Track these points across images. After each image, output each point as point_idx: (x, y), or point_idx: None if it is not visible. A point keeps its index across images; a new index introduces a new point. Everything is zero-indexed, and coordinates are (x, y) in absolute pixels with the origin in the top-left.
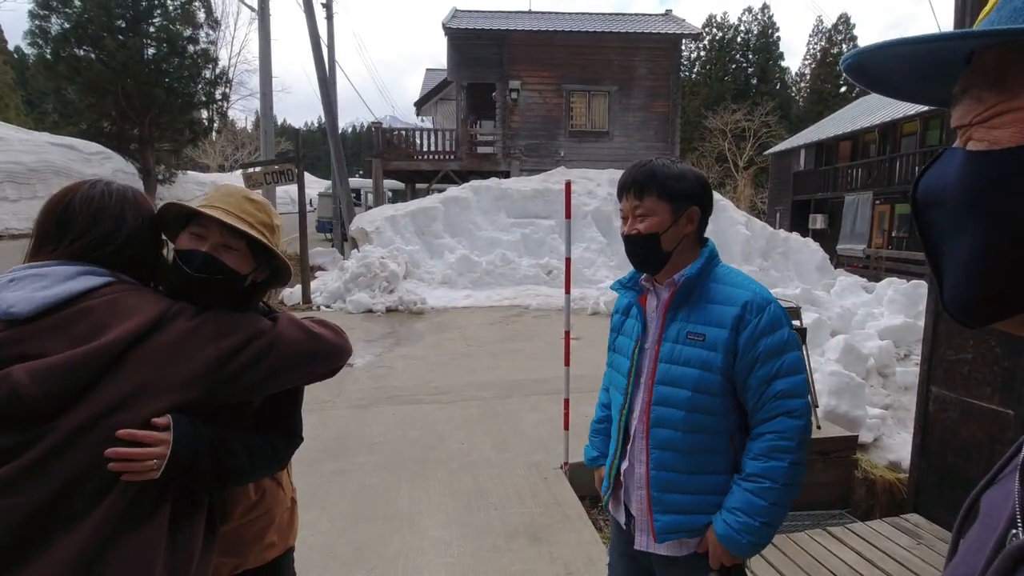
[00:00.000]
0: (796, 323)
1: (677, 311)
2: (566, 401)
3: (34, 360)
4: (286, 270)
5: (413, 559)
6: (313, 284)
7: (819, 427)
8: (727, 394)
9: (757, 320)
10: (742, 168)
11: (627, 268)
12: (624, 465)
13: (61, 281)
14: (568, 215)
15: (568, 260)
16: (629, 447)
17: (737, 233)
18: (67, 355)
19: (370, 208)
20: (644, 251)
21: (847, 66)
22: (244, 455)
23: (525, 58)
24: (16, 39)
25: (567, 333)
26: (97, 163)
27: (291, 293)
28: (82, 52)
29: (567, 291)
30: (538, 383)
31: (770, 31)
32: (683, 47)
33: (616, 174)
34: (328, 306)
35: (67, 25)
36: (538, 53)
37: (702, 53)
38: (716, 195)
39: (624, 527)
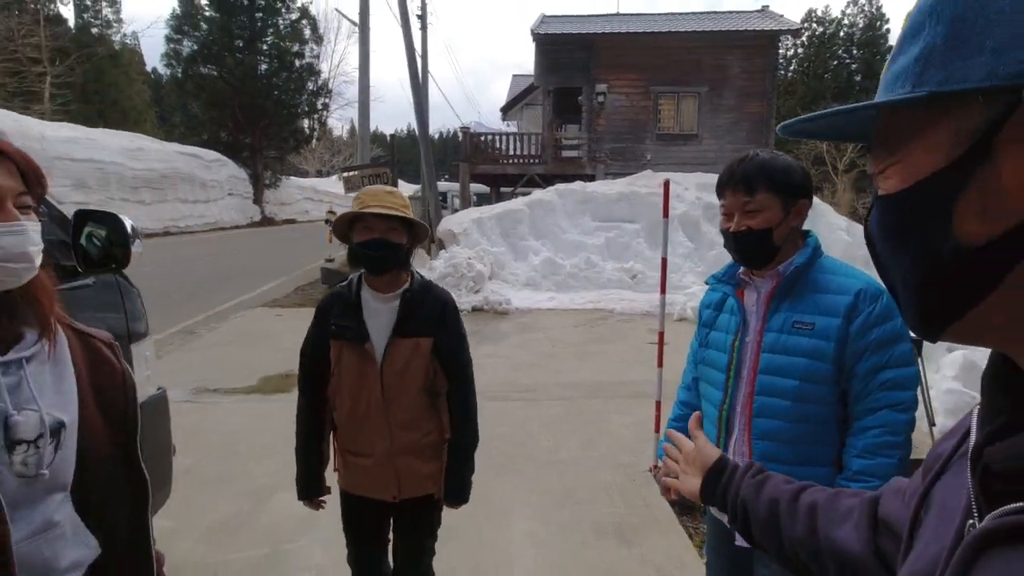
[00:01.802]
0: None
1: (781, 301)
2: (658, 403)
3: None
4: (423, 229)
5: (504, 548)
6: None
7: None
8: (836, 383)
9: (871, 309)
10: (842, 171)
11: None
12: None
13: None
14: (666, 213)
15: (664, 260)
16: (731, 442)
17: (837, 239)
18: None
19: (456, 211)
20: (755, 247)
21: (787, 134)
22: None
23: (612, 61)
24: (153, 62)
25: (661, 334)
26: (216, 169)
27: None
28: (206, 70)
29: (662, 291)
30: (623, 385)
31: (878, 23)
32: (780, 44)
33: (704, 178)
34: None
35: (195, 47)
36: (626, 56)
37: (799, 50)
38: (816, 201)
39: (728, 525)
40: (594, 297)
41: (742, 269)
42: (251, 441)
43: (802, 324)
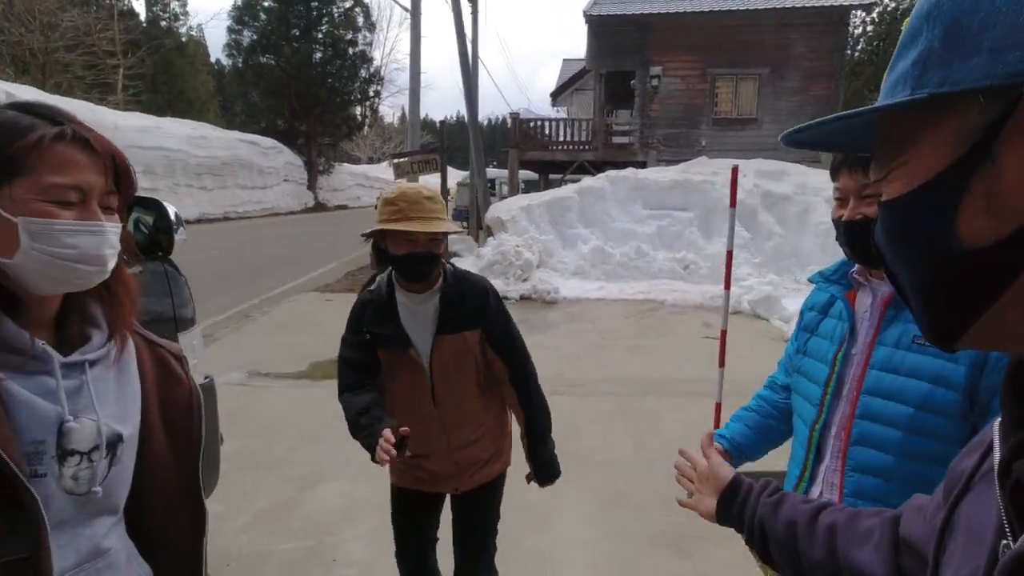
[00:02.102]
0: None
1: (902, 308)
2: (717, 406)
3: None
4: (457, 231)
5: (549, 554)
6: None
7: None
8: (963, 418)
9: None
10: None
11: (772, 266)
12: (815, 490)
13: None
14: (733, 203)
15: (729, 253)
16: (821, 468)
17: None
18: None
19: (504, 198)
20: (870, 240)
21: (788, 144)
22: None
23: (668, 42)
24: (216, 53)
25: (723, 332)
26: (273, 156)
27: None
28: (264, 60)
29: (726, 286)
30: (677, 382)
31: None
32: (850, 20)
33: (764, 164)
34: None
35: (254, 37)
36: (682, 37)
37: (868, 28)
38: None
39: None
40: (644, 287)
41: (856, 268)
42: (298, 427)
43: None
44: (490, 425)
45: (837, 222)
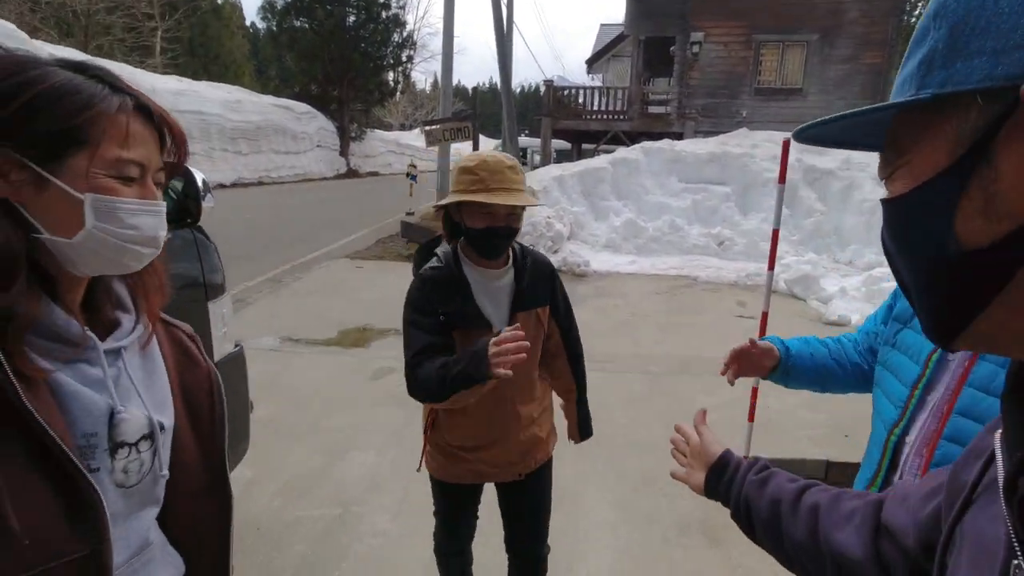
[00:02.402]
0: None
1: None
2: (754, 390)
3: None
4: (535, 204)
5: (576, 537)
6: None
7: None
8: None
9: None
10: None
11: (810, 244)
12: None
13: None
14: (782, 179)
15: (776, 232)
16: (894, 479)
17: None
18: None
19: (536, 168)
20: None
21: (800, 140)
22: None
23: (711, 7)
24: (251, 16)
25: (764, 314)
26: (306, 121)
27: None
28: (299, 23)
29: (770, 266)
30: (711, 362)
31: None
32: None
33: None
34: None
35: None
36: (727, 0)
37: None
38: None
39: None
40: (677, 263)
41: None
42: (327, 395)
43: None
44: (545, 403)
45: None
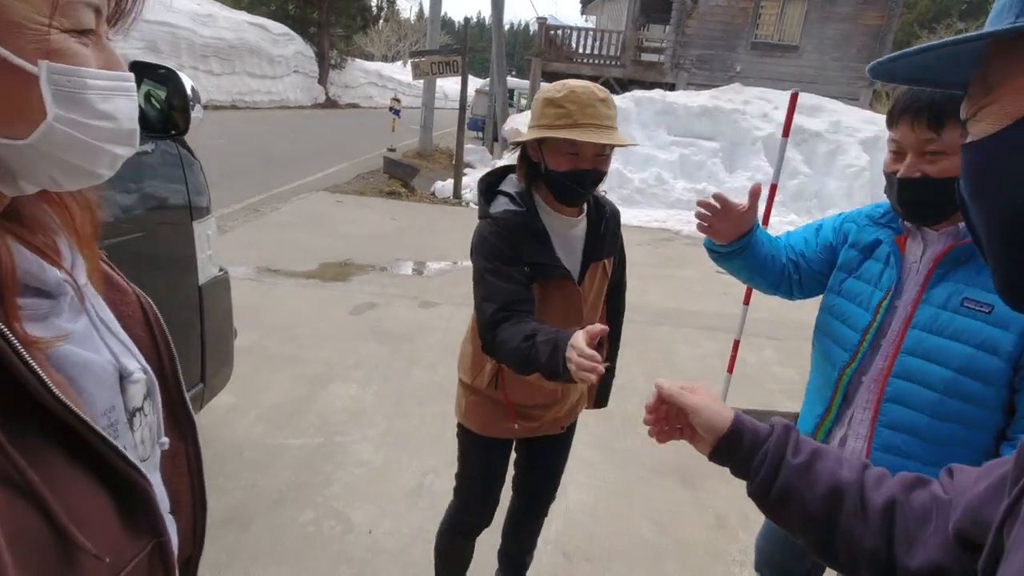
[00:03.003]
0: None
1: (954, 268)
2: (736, 343)
3: None
4: (629, 144)
5: None
6: (464, 180)
7: None
8: (1004, 385)
9: None
10: None
11: (792, 205)
12: (838, 432)
13: None
14: (786, 132)
15: (773, 186)
16: (847, 416)
17: None
18: None
19: (523, 110)
20: (927, 202)
21: (874, 75)
22: None
23: None
24: None
25: None
26: (283, 44)
27: (443, 186)
28: None
29: (765, 223)
30: (691, 315)
31: None
32: None
33: (800, 97)
34: (476, 204)
35: None
36: None
37: None
38: None
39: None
40: (661, 216)
41: None
42: (310, 326)
43: (976, 303)
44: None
45: (891, 177)
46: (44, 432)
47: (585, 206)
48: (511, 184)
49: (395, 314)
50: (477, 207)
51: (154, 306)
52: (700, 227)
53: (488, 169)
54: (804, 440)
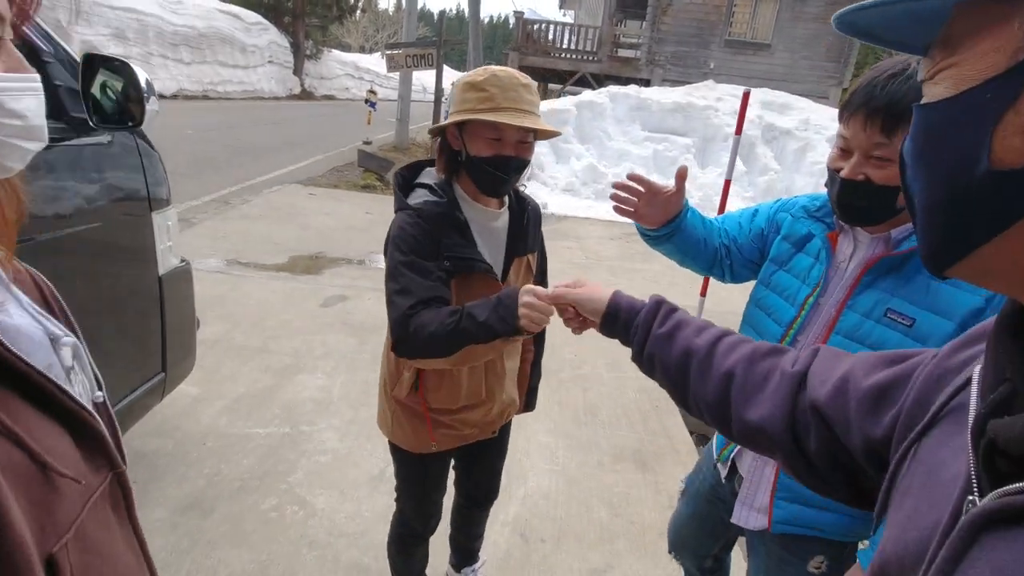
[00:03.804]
0: None
1: (881, 277)
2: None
3: None
4: (554, 132)
5: (518, 459)
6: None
7: None
8: None
9: None
10: None
11: (762, 201)
12: None
13: None
14: (739, 130)
15: (727, 182)
16: None
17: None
18: None
19: None
20: (867, 206)
21: (837, 25)
22: None
23: None
24: None
25: None
26: (256, 33)
27: None
28: None
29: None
30: None
31: None
32: None
33: (770, 95)
34: None
35: None
36: None
37: None
38: None
39: (724, 481)
40: None
41: None
42: (277, 318)
43: (898, 315)
44: (524, 360)
45: (834, 174)
46: (3, 385)
47: (507, 199)
48: (429, 176)
49: (365, 307)
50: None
51: (47, 281)
52: (620, 210)
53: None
54: (672, 313)
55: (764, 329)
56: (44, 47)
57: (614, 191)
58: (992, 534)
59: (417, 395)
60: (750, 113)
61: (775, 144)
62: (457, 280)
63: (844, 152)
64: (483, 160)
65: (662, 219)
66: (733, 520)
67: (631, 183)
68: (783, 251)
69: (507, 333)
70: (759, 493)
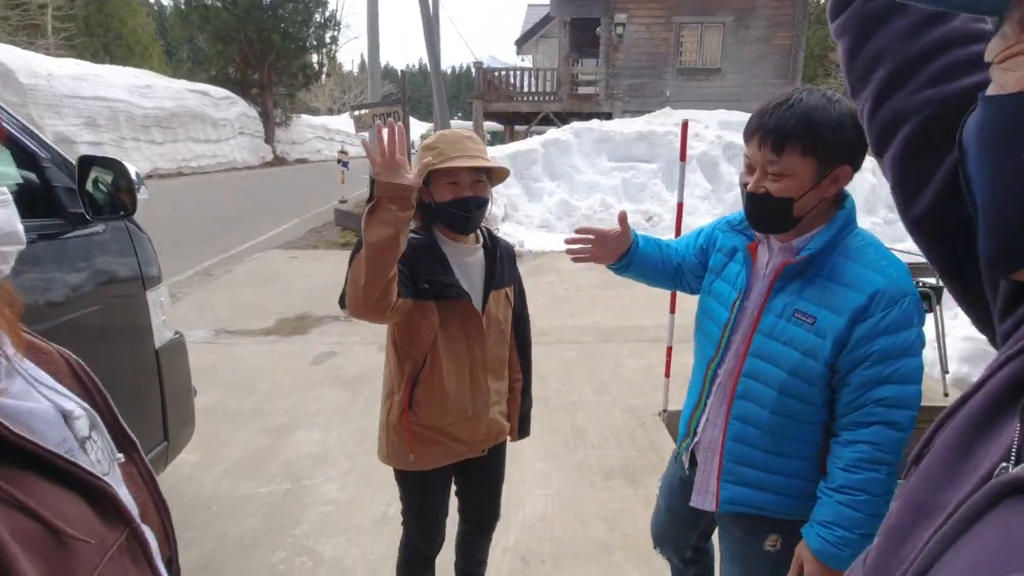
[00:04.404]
0: (931, 280)
1: (788, 282)
2: (669, 349)
3: None
4: (502, 172)
5: (515, 488)
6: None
7: (946, 394)
8: (825, 385)
9: (883, 315)
10: None
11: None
12: (703, 419)
13: None
14: (683, 156)
15: (680, 205)
16: (709, 402)
17: (862, 181)
18: None
19: None
20: (769, 216)
21: None
22: None
23: None
24: None
25: None
26: (225, 107)
27: None
28: (210, 1)
29: (677, 235)
30: (637, 330)
31: None
32: None
33: (726, 115)
34: None
35: None
36: None
37: None
38: None
39: (687, 472)
40: None
41: None
42: (270, 380)
43: (803, 315)
44: (510, 383)
45: (743, 188)
46: (16, 464)
47: (481, 238)
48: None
49: (355, 360)
50: None
51: (77, 358)
52: (577, 259)
53: None
54: None
55: (708, 331)
56: (41, 153)
57: (567, 246)
58: (1013, 500)
59: (405, 412)
60: (709, 134)
61: (737, 160)
62: (438, 305)
63: (749, 168)
64: (447, 204)
65: (616, 254)
66: (692, 504)
67: (582, 236)
68: (718, 262)
69: (371, 197)
70: (711, 479)
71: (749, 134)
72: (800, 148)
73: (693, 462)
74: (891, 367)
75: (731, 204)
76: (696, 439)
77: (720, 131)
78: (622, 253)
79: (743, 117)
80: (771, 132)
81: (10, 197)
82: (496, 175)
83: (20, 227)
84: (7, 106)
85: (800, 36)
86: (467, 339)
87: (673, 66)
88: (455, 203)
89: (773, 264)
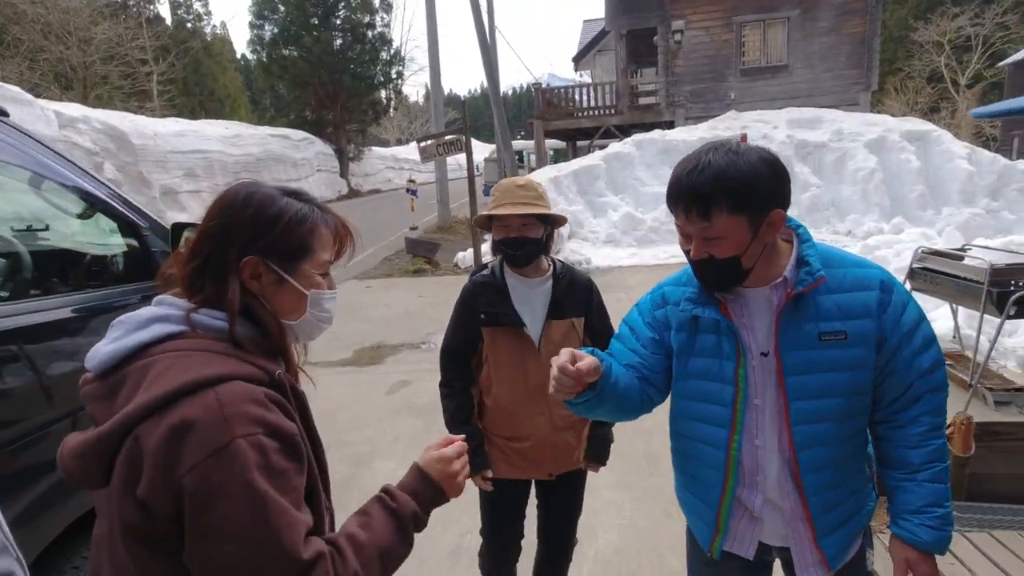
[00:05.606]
0: None
1: (797, 312)
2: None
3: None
4: (561, 219)
5: (586, 517)
6: (483, 247)
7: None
8: (875, 386)
9: (894, 297)
10: (964, 87)
11: (808, 219)
12: (756, 500)
13: (131, 331)
14: None
15: None
16: (759, 480)
17: (955, 169)
18: (84, 438)
19: (533, 169)
20: (720, 276)
21: None
22: None
23: None
24: (241, 48)
25: None
26: (304, 148)
27: (464, 256)
28: (287, 52)
29: None
30: None
31: None
32: None
33: (796, 113)
34: None
35: (276, 30)
36: None
37: None
38: (928, 126)
39: (751, 559)
40: (677, 251)
41: None
42: (349, 411)
43: (832, 334)
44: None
45: (686, 254)
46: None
47: (552, 270)
48: (495, 261)
49: (428, 388)
50: None
51: None
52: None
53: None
54: None
55: (707, 416)
56: (142, 223)
57: (556, 387)
58: None
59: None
60: (778, 135)
61: (811, 159)
62: (490, 331)
63: (686, 237)
64: (499, 242)
65: (578, 391)
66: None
67: (566, 375)
68: (683, 341)
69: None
70: (806, 551)
71: (672, 205)
72: (726, 208)
73: (729, 556)
74: (918, 339)
75: (807, 206)
76: (741, 520)
77: (790, 130)
78: (591, 384)
79: (815, 113)
80: (693, 200)
81: (337, 294)
82: (557, 220)
83: (334, 313)
84: (110, 183)
85: (875, 22)
86: (522, 364)
87: (736, 67)
88: (503, 242)
89: (772, 303)
